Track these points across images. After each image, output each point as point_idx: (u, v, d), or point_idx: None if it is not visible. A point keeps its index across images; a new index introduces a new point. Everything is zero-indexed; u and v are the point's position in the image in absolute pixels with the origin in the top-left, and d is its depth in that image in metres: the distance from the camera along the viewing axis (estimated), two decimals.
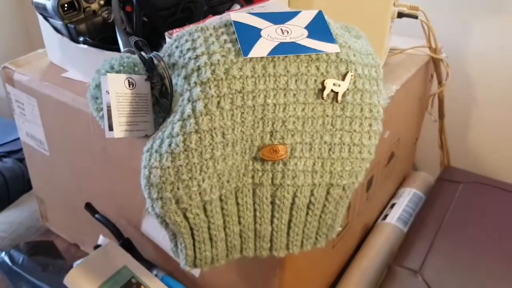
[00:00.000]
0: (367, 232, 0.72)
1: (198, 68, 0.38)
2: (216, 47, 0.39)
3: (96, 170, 0.62)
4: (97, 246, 0.64)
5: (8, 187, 1.07)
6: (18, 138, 1.15)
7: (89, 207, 0.63)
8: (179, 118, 0.38)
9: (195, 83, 0.38)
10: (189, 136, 0.37)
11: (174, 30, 0.46)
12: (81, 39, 0.53)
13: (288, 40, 0.40)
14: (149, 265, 0.61)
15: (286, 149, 0.40)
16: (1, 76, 0.67)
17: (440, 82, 0.75)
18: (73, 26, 0.53)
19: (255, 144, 0.40)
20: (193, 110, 0.38)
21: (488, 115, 0.83)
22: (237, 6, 0.57)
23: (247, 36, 0.40)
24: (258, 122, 0.39)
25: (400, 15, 0.63)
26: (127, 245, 0.62)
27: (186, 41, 0.40)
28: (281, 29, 0.41)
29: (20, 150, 1.12)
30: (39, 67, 0.66)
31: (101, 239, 0.65)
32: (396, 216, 0.72)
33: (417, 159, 0.90)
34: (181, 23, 0.55)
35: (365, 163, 0.44)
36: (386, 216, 0.73)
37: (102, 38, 0.54)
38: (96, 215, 0.63)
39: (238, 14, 0.41)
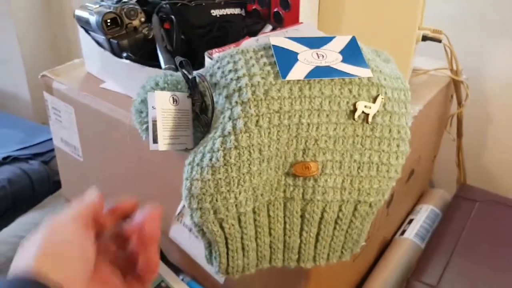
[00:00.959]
0: (386, 246, 0.74)
1: (240, 89, 0.41)
2: (256, 69, 0.42)
3: (128, 178, 0.65)
4: None
5: (34, 188, 1.10)
6: (44, 141, 1.19)
7: None
8: (220, 134, 0.41)
9: (236, 102, 0.41)
10: (229, 152, 0.40)
11: (213, 50, 0.49)
12: (124, 54, 0.56)
13: (323, 64, 0.43)
14: (176, 270, 0.63)
15: (318, 166, 0.43)
16: (41, 83, 0.71)
17: (459, 103, 0.77)
18: (116, 41, 0.56)
19: (288, 160, 0.43)
20: (234, 127, 0.40)
21: (505, 135, 0.85)
22: (269, 27, 0.60)
23: (285, 60, 0.42)
24: (292, 140, 0.42)
25: (424, 38, 0.66)
26: None
27: (228, 62, 0.43)
28: (317, 53, 0.44)
29: (46, 152, 1.16)
30: (77, 76, 0.69)
31: None
32: (414, 232, 0.74)
33: (434, 176, 0.92)
34: (217, 42, 0.58)
35: (392, 181, 0.46)
36: (404, 231, 0.75)
37: (142, 54, 0.57)
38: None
39: (276, 39, 0.44)
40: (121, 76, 0.60)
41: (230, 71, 0.42)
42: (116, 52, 0.57)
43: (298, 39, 0.45)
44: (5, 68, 1.40)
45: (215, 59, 0.44)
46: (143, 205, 0.66)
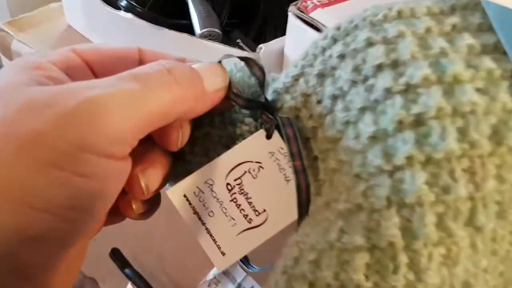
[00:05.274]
0: None
1: (419, 121, 0.15)
2: (460, 66, 0.16)
3: None
4: None
5: None
6: None
7: (116, 255, 0.42)
8: (362, 233, 0.15)
9: (410, 158, 0.15)
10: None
11: (309, 2, 0.22)
12: (123, 2, 0.30)
13: None
14: None
15: None
16: None
17: None
18: None
19: None
20: (407, 230, 0.15)
21: None
22: None
23: None
24: None
25: None
26: None
27: (369, 44, 0.17)
28: None
29: None
30: (50, 32, 0.45)
31: None
32: None
33: None
34: None
35: None
36: None
37: (155, 3, 0.31)
38: (126, 270, 0.42)
39: None
40: (118, 37, 0.34)
41: (378, 67, 0.16)
42: None
43: None
44: None
45: (330, 34, 0.18)
46: (154, 247, 0.43)
